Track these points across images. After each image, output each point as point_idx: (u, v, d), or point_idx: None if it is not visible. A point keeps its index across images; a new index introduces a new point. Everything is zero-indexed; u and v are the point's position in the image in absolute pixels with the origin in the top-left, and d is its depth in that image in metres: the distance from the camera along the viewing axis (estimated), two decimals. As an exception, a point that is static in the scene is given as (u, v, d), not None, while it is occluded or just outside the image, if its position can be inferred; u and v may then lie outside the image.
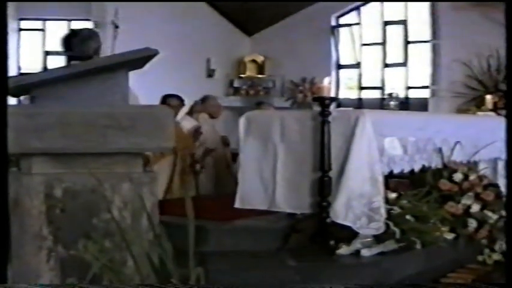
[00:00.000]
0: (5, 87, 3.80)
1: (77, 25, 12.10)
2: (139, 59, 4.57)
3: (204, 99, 10.20)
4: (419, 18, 13.46)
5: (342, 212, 5.80)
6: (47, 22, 12.56)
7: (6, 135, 3.73)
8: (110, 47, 8.01)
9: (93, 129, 4.16)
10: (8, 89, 3.87)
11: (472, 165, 7.48)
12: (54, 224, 4.20)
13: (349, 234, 5.78)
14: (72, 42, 5.96)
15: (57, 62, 11.04)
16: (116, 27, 8.46)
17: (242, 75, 14.55)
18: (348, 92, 14.39)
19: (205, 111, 10.01)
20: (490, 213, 6.84)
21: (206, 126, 9.73)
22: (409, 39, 13.60)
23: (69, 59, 5.85)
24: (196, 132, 9.33)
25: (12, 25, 11.93)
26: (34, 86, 4.34)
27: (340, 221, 5.80)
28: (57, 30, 12.22)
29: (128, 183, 4.25)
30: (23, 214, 4.16)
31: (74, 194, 4.20)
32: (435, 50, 13.13)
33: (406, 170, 6.60)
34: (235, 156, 9.63)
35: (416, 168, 6.74)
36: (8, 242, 3.85)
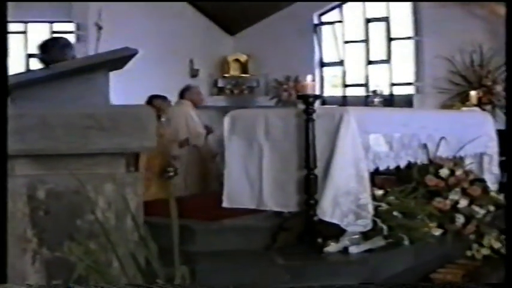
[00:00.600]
0: (5, 89, 3.76)
1: (59, 27, 12.09)
2: (119, 59, 4.53)
3: (186, 89, 10.24)
4: (402, 15, 13.45)
5: (328, 209, 5.79)
6: (29, 24, 12.47)
7: (6, 137, 3.71)
8: (94, 48, 7.96)
9: (75, 130, 4.11)
10: (8, 90, 3.84)
11: (457, 161, 7.49)
12: (38, 226, 4.15)
13: (336, 231, 5.77)
14: (51, 49, 5.98)
15: (40, 64, 10.96)
16: (100, 28, 8.42)
17: (226, 75, 14.51)
18: (332, 90, 14.37)
19: (188, 99, 10.04)
20: (477, 208, 6.85)
21: (192, 114, 9.79)
22: (392, 36, 13.58)
23: (46, 63, 5.84)
24: (185, 142, 9.38)
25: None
26: (14, 87, 4.28)
27: (327, 218, 5.78)
28: (39, 33, 12.16)
29: (111, 183, 4.21)
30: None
31: (57, 195, 4.15)
32: (418, 47, 13.14)
33: (392, 166, 6.60)
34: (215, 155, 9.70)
35: (402, 164, 6.75)
36: (6, 241, 3.82)
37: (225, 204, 6.48)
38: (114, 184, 4.20)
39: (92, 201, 4.08)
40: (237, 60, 14.60)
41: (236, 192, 6.47)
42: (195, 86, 10.64)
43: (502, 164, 8.69)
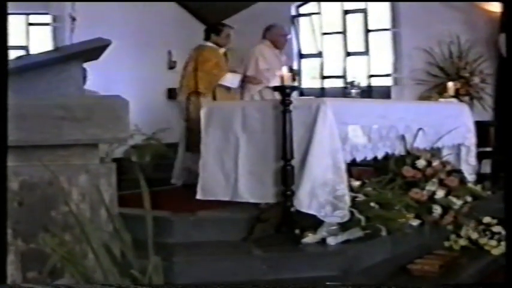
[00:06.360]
0: (4, 86, 3.73)
1: (36, 19, 11.97)
2: (92, 50, 4.50)
3: (267, 28, 9.92)
4: (379, 6, 13.43)
5: (306, 200, 5.79)
6: (5, 17, 12.32)
7: (6, 132, 3.68)
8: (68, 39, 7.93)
9: (48, 121, 4.07)
10: (7, 87, 3.80)
11: (435, 152, 7.51)
12: (13, 218, 4.11)
13: (314, 222, 5.76)
14: None
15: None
16: (73, 19, 8.35)
17: (204, 66, 14.43)
18: (311, 82, 14.35)
19: (270, 39, 9.77)
20: (454, 199, 6.87)
21: (270, 55, 9.64)
22: (370, 27, 13.57)
23: None
24: None
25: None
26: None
27: (304, 209, 5.78)
28: (16, 25, 12.05)
29: (85, 175, 4.18)
30: (-21, 209, 4.07)
31: (31, 187, 4.12)
32: (396, 38, 13.13)
33: (369, 157, 6.60)
34: None
35: (380, 155, 6.76)
36: (6, 242, 3.79)
37: (199, 196, 6.52)
38: (88, 175, 4.17)
39: (65, 193, 4.05)
40: (215, 52, 14.53)
41: (211, 184, 6.49)
42: (280, 26, 10.19)
43: (479, 155, 8.73)
